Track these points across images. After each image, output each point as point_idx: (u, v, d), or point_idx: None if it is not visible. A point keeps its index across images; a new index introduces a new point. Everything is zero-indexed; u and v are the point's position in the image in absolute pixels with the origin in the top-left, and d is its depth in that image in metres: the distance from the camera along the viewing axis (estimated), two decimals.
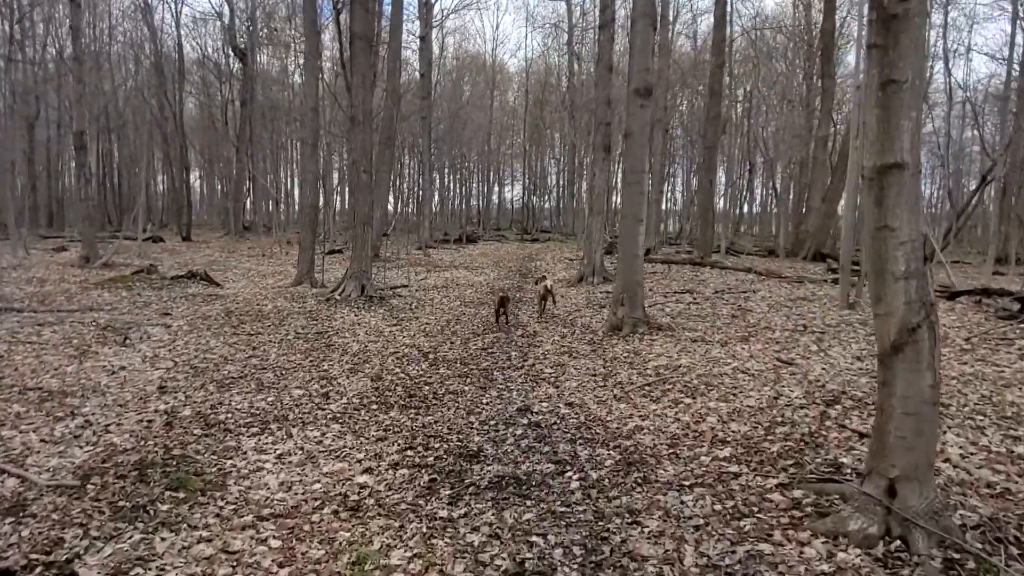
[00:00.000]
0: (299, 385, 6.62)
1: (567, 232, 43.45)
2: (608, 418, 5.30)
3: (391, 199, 56.20)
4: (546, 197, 56.73)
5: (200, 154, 45.93)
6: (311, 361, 7.65)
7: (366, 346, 8.49)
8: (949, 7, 29.15)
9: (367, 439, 5.12)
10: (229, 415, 5.65)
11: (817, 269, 17.72)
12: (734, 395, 5.67)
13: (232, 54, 35.05)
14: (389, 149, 23.20)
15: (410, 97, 39.20)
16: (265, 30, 36.98)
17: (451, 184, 55.97)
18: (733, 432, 4.76)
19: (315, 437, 5.18)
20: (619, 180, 16.46)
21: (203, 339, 8.83)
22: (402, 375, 7.02)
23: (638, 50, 8.31)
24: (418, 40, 29.23)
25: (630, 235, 8.57)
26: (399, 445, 4.96)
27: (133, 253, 21.18)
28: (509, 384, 6.61)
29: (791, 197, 31.39)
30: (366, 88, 12.00)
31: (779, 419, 4.97)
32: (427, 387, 6.55)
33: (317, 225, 14.91)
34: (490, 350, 8.27)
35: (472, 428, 5.30)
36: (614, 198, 27.02)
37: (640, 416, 5.30)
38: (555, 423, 5.30)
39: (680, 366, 6.78)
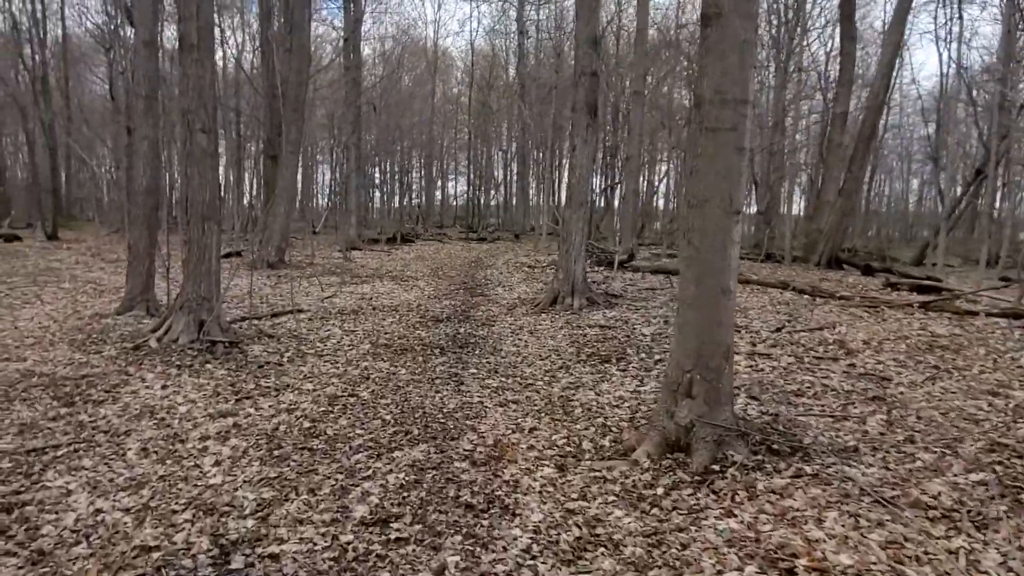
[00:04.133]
0: None
1: (517, 230, 38.83)
2: None
3: (322, 191, 50.61)
4: (493, 192, 51.89)
5: (99, 138, 39.60)
6: None
7: (101, 517, 3.56)
8: None
9: None
10: None
11: (858, 280, 13.41)
12: None
13: (119, 17, 29.16)
14: (297, 124, 18.02)
15: (332, 75, 33.86)
16: None
17: (390, 178, 50.59)
18: None
19: None
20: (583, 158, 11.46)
21: None
22: None
23: None
24: None
25: (713, 243, 3.87)
26: None
27: None
28: None
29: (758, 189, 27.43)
30: None
31: None
32: None
33: (158, 220, 9.78)
34: (397, 524, 3.44)
35: None
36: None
37: None
38: None
39: None
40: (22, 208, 34.41)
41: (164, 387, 5.87)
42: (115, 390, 5.74)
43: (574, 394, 5.75)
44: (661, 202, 41.53)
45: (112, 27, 30.05)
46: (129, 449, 4.44)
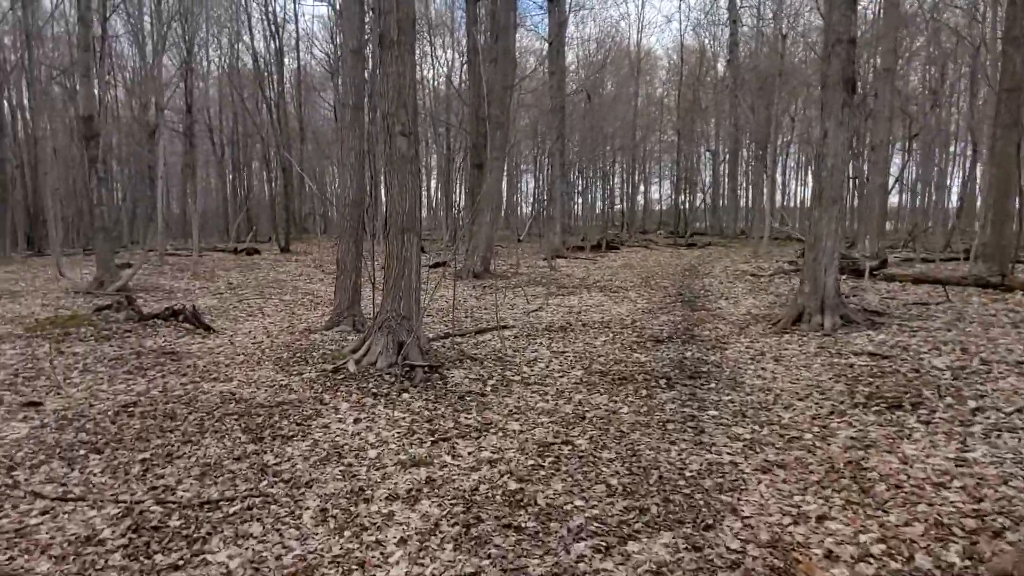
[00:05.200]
0: None
1: (727, 234, 36.14)
2: None
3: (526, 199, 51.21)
4: (699, 195, 49.07)
5: (327, 156, 43.26)
6: None
7: None
8: None
9: None
10: None
11: None
12: None
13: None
14: (503, 130, 17.62)
15: (535, 83, 33.70)
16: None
17: (592, 184, 49.78)
18: None
19: None
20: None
21: None
22: None
23: None
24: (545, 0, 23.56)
25: None
26: None
27: (188, 273, 17.05)
28: None
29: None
30: None
31: None
32: None
33: (363, 234, 9.53)
34: None
35: None
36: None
37: None
38: None
39: None
40: (265, 223, 38.35)
41: (356, 421, 5.20)
42: (307, 423, 5.16)
43: (865, 458, 4.18)
44: (895, 198, 36.51)
45: (339, 53, 32.33)
46: (306, 509, 3.69)
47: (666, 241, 31.78)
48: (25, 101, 28.42)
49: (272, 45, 31.73)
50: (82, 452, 4.57)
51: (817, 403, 5.43)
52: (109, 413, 5.44)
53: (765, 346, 7.70)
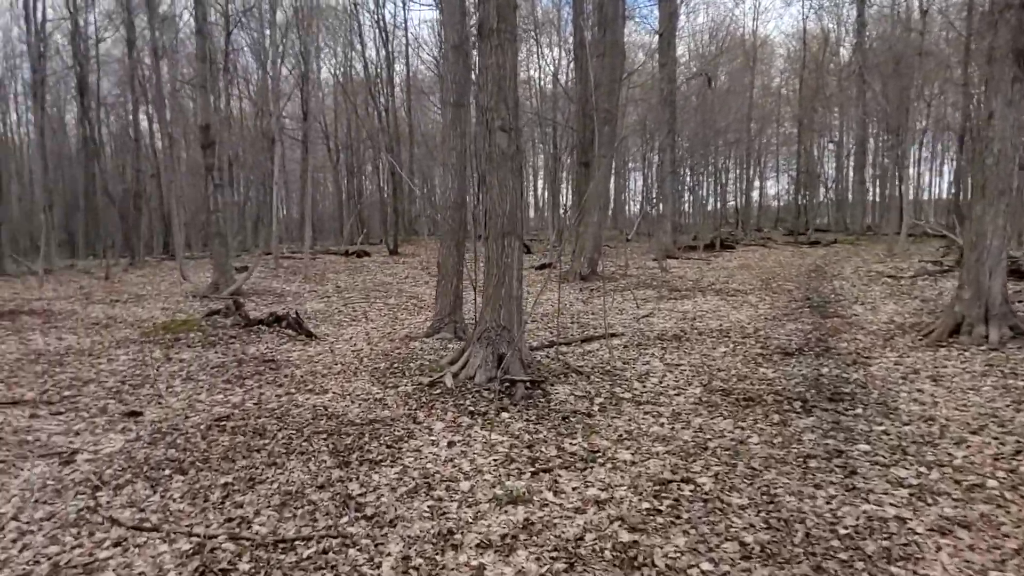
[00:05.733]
0: None
1: (853, 231, 33.53)
2: None
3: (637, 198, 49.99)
4: (822, 189, 45.97)
5: (435, 159, 43.78)
6: None
7: None
8: None
9: None
10: None
11: None
12: None
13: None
14: (611, 125, 16.90)
15: (645, 80, 32.54)
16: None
17: (703, 180, 47.79)
18: None
19: None
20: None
21: None
22: None
23: None
24: None
25: None
26: None
27: (300, 276, 17.42)
28: None
29: None
30: None
31: None
32: None
33: (464, 236, 9.16)
34: None
35: None
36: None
37: None
38: None
39: None
40: (377, 225, 39.29)
41: (451, 444, 4.74)
42: (397, 445, 4.75)
43: None
44: None
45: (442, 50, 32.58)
46: (387, 556, 3.23)
47: (785, 239, 29.86)
48: (168, 115, 30.39)
49: (382, 52, 32.35)
50: (167, 472, 4.36)
51: (996, 438, 4.48)
52: (202, 427, 5.26)
53: (918, 362, 6.67)
